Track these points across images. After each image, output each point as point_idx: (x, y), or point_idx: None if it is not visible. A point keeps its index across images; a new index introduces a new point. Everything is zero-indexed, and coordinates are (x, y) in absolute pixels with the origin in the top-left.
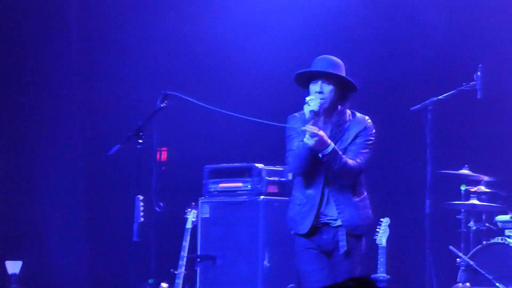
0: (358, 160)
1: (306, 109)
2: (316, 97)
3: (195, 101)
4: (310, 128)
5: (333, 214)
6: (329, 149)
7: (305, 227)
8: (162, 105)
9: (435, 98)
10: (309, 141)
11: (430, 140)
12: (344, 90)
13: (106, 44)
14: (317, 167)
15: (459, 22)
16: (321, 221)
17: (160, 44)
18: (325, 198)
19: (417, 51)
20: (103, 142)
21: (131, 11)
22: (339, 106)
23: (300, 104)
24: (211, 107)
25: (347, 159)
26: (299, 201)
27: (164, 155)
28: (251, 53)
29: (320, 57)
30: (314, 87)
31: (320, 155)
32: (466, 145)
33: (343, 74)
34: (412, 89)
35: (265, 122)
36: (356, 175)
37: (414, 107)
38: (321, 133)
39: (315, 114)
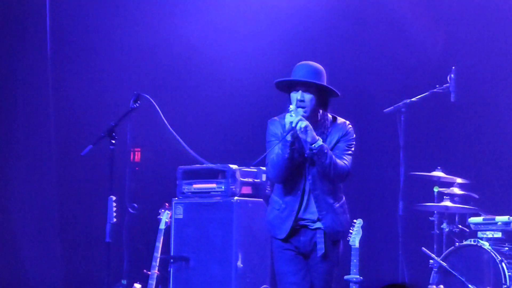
0: (346, 162)
1: (288, 119)
2: (298, 109)
3: (160, 113)
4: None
5: (312, 217)
6: (319, 142)
7: (283, 232)
8: (134, 106)
9: (408, 100)
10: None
11: (403, 142)
12: (325, 96)
13: (78, 45)
14: (297, 174)
15: (433, 25)
16: (300, 223)
17: (134, 45)
18: (304, 204)
19: (390, 53)
20: (75, 142)
21: (105, 12)
22: (320, 111)
23: (279, 108)
24: (169, 127)
25: (336, 159)
26: (278, 206)
27: (137, 156)
28: (228, 56)
29: (300, 64)
30: (295, 95)
31: (309, 150)
32: (439, 147)
33: (324, 81)
34: (385, 91)
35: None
36: (345, 177)
37: (387, 109)
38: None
39: (295, 126)
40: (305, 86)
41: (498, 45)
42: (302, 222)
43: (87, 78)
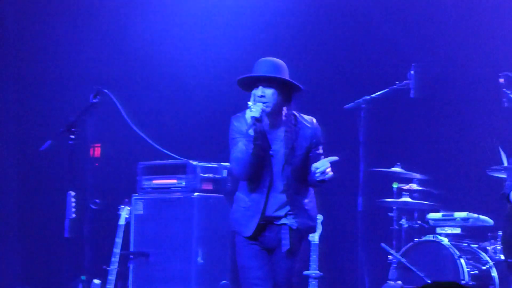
0: None
1: (248, 114)
2: (257, 102)
3: (120, 109)
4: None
5: (278, 214)
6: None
7: (249, 230)
8: (94, 101)
9: (368, 97)
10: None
11: (363, 138)
12: (287, 91)
13: (38, 40)
14: (262, 171)
15: (393, 22)
16: (266, 219)
17: (94, 40)
18: (270, 201)
19: (350, 49)
20: (34, 137)
21: (65, 8)
22: (285, 108)
23: (238, 105)
24: (130, 122)
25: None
26: (244, 204)
27: (97, 151)
28: (188, 52)
29: (261, 60)
30: (256, 91)
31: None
32: (398, 143)
33: (286, 75)
34: (345, 88)
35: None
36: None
37: (347, 105)
38: None
39: (256, 120)
40: (266, 81)
41: (458, 42)
42: (268, 218)
43: (46, 73)
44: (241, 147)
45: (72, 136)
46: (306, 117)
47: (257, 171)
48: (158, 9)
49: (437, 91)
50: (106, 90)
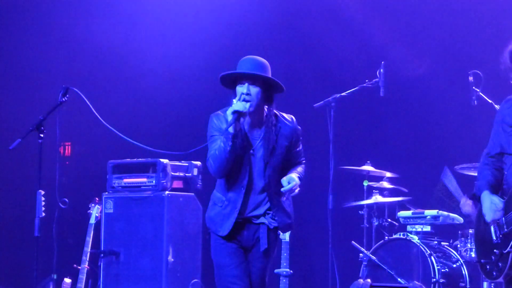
0: (304, 162)
1: (230, 110)
2: (241, 100)
3: (91, 107)
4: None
5: (256, 213)
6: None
7: (225, 229)
8: (63, 99)
9: (338, 95)
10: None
11: (333, 136)
12: (270, 91)
13: (4, 40)
14: (240, 170)
15: (362, 20)
16: (244, 218)
17: (63, 39)
18: (248, 200)
19: (320, 48)
20: (3, 136)
21: (33, 7)
22: (266, 107)
23: (210, 104)
24: (100, 119)
25: (300, 168)
26: (221, 203)
27: (67, 150)
28: (158, 50)
29: (246, 58)
30: (241, 89)
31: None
32: (368, 141)
33: (269, 75)
34: (315, 86)
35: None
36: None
37: (317, 104)
38: None
39: (240, 114)
40: (251, 79)
41: (427, 40)
42: (246, 217)
43: (14, 72)
44: (219, 145)
45: (41, 135)
46: (286, 115)
47: (235, 170)
48: (128, 6)
49: (407, 89)
50: (75, 89)
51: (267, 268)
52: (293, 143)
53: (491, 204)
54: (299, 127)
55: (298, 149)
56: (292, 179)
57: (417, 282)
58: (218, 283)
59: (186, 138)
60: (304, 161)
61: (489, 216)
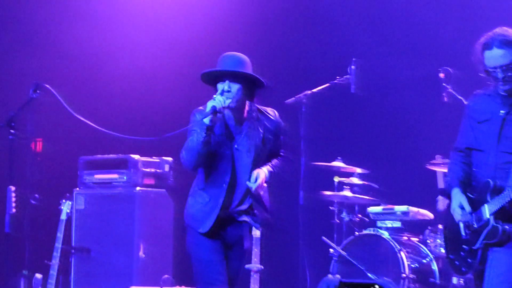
0: (284, 154)
1: (209, 104)
2: (223, 95)
3: (62, 102)
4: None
5: (238, 209)
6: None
7: (206, 227)
8: (34, 95)
9: (309, 92)
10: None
11: (304, 132)
12: (251, 87)
13: None
14: (223, 167)
15: (333, 17)
16: (226, 215)
17: (33, 35)
18: (230, 196)
19: (291, 45)
20: None
21: (2, 4)
22: (248, 103)
23: (181, 101)
24: (72, 112)
25: (278, 161)
26: (202, 199)
27: (39, 146)
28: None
29: (226, 54)
30: (222, 86)
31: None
32: (339, 137)
33: (250, 71)
34: (286, 83)
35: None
36: (292, 166)
37: (288, 100)
38: None
39: (215, 111)
40: (232, 76)
41: (398, 37)
42: (229, 214)
43: None
44: (193, 136)
45: (12, 131)
46: (269, 110)
47: (217, 166)
48: (101, 2)
49: (377, 86)
50: (46, 85)
51: (242, 266)
52: (276, 136)
53: (459, 206)
54: (281, 121)
55: (279, 142)
56: (259, 175)
57: (386, 278)
58: (199, 278)
59: (157, 135)
60: (283, 154)
61: (457, 216)
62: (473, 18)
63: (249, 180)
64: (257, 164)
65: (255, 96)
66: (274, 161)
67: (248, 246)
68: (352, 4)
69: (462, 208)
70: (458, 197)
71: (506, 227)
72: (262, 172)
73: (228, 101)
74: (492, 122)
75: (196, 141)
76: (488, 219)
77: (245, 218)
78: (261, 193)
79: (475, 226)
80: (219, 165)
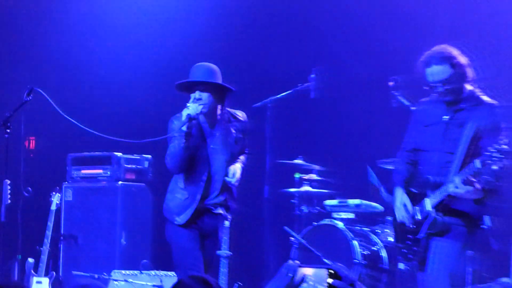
0: (247, 151)
1: (184, 112)
2: (195, 103)
3: (53, 104)
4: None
5: (214, 201)
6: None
7: (183, 219)
8: (27, 99)
9: (274, 97)
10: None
11: (269, 133)
12: (221, 93)
13: None
14: (201, 166)
15: (295, 29)
16: (203, 207)
17: (28, 44)
18: (207, 192)
19: (259, 55)
20: None
21: None
22: (219, 107)
23: (161, 103)
24: (62, 113)
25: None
26: (181, 195)
27: (32, 144)
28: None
29: (196, 65)
30: (193, 95)
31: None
32: (300, 138)
33: (219, 79)
34: (254, 89)
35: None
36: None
37: (256, 104)
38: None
39: (190, 118)
40: (201, 86)
41: (353, 49)
42: (205, 206)
43: None
44: (174, 143)
45: (8, 130)
46: (238, 112)
47: (195, 165)
48: (88, 8)
49: (335, 92)
50: (39, 89)
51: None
52: (244, 135)
53: (403, 205)
54: (248, 122)
55: (246, 141)
56: (235, 170)
57: (340, 264)
58: (179, 264)
59: (140, 134)
60: (247, 152)
61: (399, 215)
62: (422, 28)
63: (227, 175)
64: (231, 161)
65: (225, 101)
66: (242, 157)
67: (221, 235)
68: (314, 15)
69: (405, 206)
70: (401, 197)
71: (446, 218)
72: (238, 168)
73: (200, 107)
74: (437, 126)
75: (178, 147)
76: (429, 212)
77: (220, 210)
78: (236, 185)
79: (419, 217)
80: (197, 166)
